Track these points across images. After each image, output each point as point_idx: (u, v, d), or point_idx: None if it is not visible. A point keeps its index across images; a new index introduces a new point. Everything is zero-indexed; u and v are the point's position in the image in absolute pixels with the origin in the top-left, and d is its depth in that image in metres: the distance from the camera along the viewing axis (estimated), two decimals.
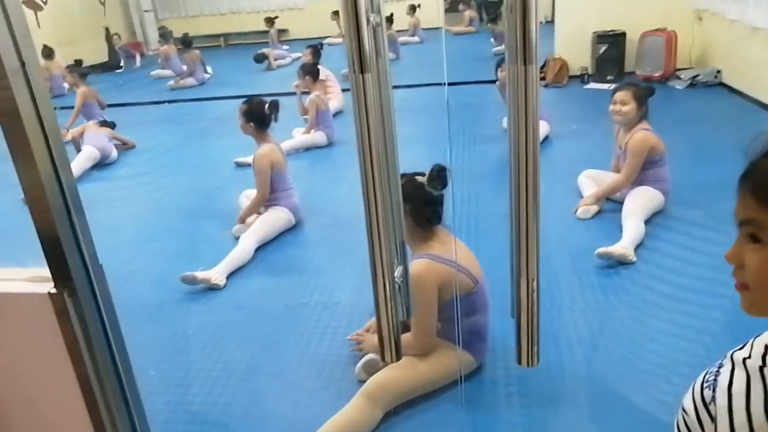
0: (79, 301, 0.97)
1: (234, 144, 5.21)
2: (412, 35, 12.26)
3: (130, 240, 3.94)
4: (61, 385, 1.03)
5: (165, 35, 11.39)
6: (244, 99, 3.85)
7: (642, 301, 2.78)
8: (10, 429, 1.14)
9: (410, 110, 6.26)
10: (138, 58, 12.92)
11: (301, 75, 5.94)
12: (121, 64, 12.42)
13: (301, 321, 2.86)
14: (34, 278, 1.01)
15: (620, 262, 3.05)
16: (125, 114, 7.77)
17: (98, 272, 1.00)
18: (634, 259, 3.07)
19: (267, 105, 3.77)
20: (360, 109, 0.69)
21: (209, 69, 10.20)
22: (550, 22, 8.06)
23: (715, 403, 0.87)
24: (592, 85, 7.17)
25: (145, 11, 14.59)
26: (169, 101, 8.67)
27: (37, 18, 11.13)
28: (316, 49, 7.11)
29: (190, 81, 9.58)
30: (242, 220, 3.79)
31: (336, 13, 12.48)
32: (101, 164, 5.72)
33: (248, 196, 3.98)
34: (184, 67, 9.92)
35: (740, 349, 0.91)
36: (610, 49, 7.10)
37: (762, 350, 0.85)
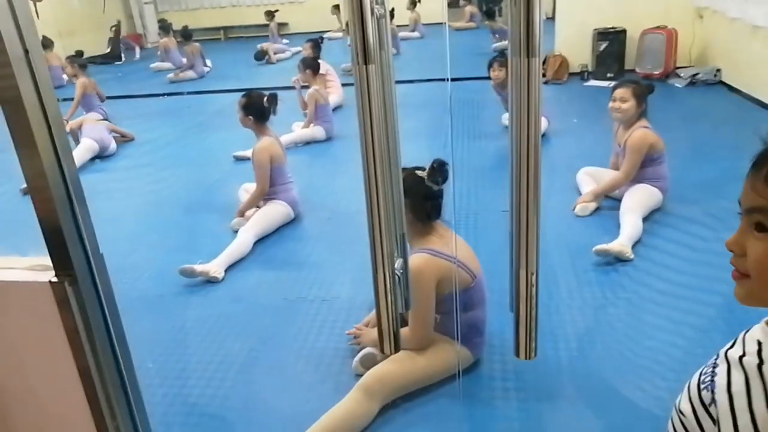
0: (79, 290, 0.97)
1: (233, 137, 5.21)
2: (413, 30, 12.23)
3: (129, 232, 3.94)
4: (61, 373, 1.04)
5: (165, 27, 11.35)
6: (244, 92, 3.85)
7: (639, 297, 2.79)
8: (10, 417, 1.14)
9: (411, 105, 6.25)
10: (137, 50, 12.88)
11: (301, 69, 5.93)
12: (122, 56, 12.38)
13: (299, 315, 2.86)
14: (34, 267, 1.01)
15: (618, 259, 3.06)
16: (125, 106, 7.76)
17: (99, 262, 1.00)
18: (632, 256, 3.08)
19: (266, 98, 3.77)
20: (363, 100, 0.69)
21: (209, 62, 10.17)
22: (551, 19, 8.04)
23: (716, 405, 0.86)
24: (592, 83, 7.17)
25: (145, 3, 14.54)
26: (169, 94, 8.65)
27: (36, 9, 11.07)
28: (317, 43, 7.10)
29: (190, 74, 9.55)
30: (241, 214, 3.79)
31: (336, 7, 12.45)
32: (100, 156, 5.71)
33: (247, 189, 3.98)
34: (184, 60, 9.90)
35: (732, 346, 0.90)
36: (611, 46, 7.09)
37: (756, 346, 0.85)
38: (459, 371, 2.25)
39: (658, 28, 6.89)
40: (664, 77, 6.84)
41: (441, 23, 13.04)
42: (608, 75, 7.05)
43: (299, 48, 9.61)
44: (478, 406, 2.21)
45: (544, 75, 7.33)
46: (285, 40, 12.19)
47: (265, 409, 2.28)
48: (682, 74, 6.77)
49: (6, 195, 4.51)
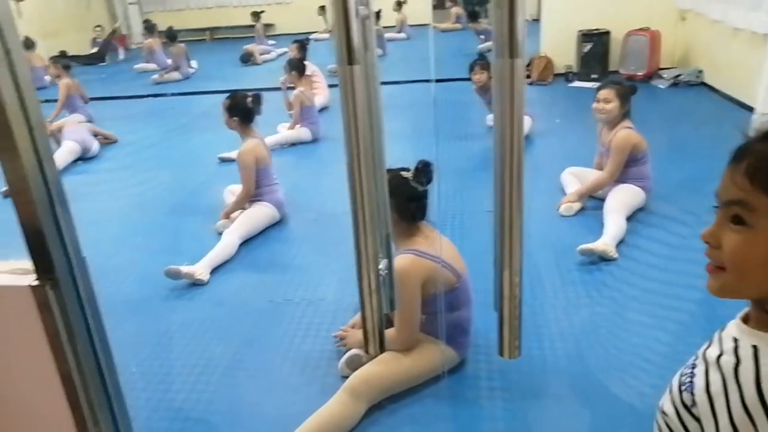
0: (61, 294, 0.96)
1: (218, 139, 5.18)
2: (399, 31, 12.26)
3: (112, 234, 3.91)
4: (42, 379, 1.02)
5: (150, 28, 11.27)
6: (228, 94, 3.83)
7: (623, 296, 2.81)
8: None
9: (396, 106, 6.27)
10: (122, 51, 12.77)
11: (287, 70, 5.91)
12: (105, 57, 12.26)
13: (285, 317, 2.85)
14: (15, 270, 0.99)
15: (602, 259, 3.09)
16: (108, 108, 7.68)
17: (81, 265, 0.99)
18: (616, 255, 3.11)
19: (250, 98, 3.75)
20: (348, 101, 0.69)
21: (194, 63, 10.12)
22: (536, 21, 8.10)
23: (697, 407, 0.87)
24: (577, 83, 7.23)
25: (130, 3, 14.44)
26: (154, 95, 8.58)
27: (18, 8, 10.95)
28: (303, 44, 7.09)
29: (175, 75, 9.49)
30: (227, 216, 3.76)
31: (323, 8, 12.44)
32: (83, 158, 5.65)
33: (232, 191, 3.96)
34: (169, 61, 9.83)
35: (709, 346, 0.91)
36: (595, 47, 7.16)
37: (732, 344, 0.85)
38: (444, 372, 2.26)
39: (641, 29, 6.97)
40: (648, 78, 6.91)
41: (427, 24, 13.08)
42: (593, 76, 7.11)
43: (285, 49, 9.59)
44: (464, 406, 2.21)
45: (529, 76, 7.39)
46: (271, 41, 12.16)
47: (251, 412, 2.27)
48: (665, 75, 6.84)
49: None
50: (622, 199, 3.49)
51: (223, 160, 5.12)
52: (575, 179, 3.91)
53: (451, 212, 3.81)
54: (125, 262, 3.54)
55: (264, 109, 3.91)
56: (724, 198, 0.82)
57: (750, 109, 5.24)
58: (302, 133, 5.69)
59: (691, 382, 0.90)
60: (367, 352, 0.80)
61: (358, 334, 2.43)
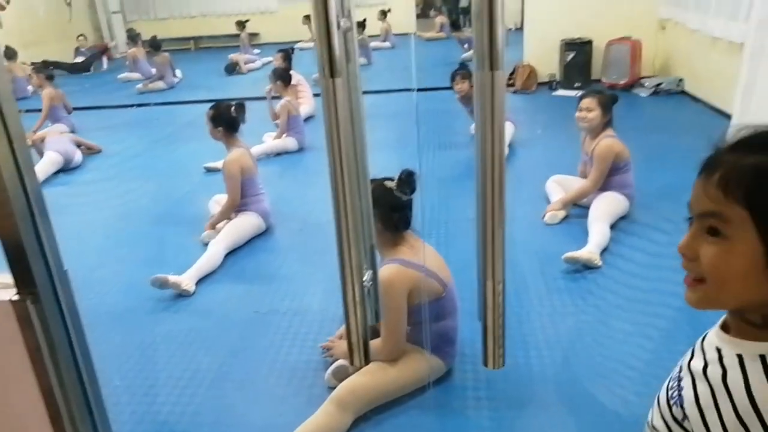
0: (42, 309, 0.95)
1: (203, 148, 5.15)
2: (384, 40, 12.32)
3: (96, 246, 3.87)
4: (22, 395, 1.01)
5: (133, 37, 11.21)
6: (212, 104, 3.81)
7: (607, 304, 2.83)
8: None
9: (381, 116, 6.28)
10: (105, 60, 12.69)
11: (273, 80, 5.91)
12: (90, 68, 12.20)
13: (271, 327, 2.84)
14: None
15: (587, 267, 3.11)
16: (92, 118, 7.62)
17: (63, 279, 0.98)
18: (600, 263, 3.13)
19: (233, 107, 3.74)
20: (330, 113, 0.69)
21: (179, 72, 10.08)
22: (519, 30, 8.18)
23: (689, 420, 0.86)
24: (560, 92, 7.30)
25: (113, 13, 14.34)
26: (138, 105, 8.53)
27: None
28: (288, 53, 7.09)
29: (160, 84, 9.44)
30: (212, 226, 3.74)
31: (308, 17, 12.45)
32: (65, 169, 5.59)
33: (218, 201, 3.94)
34: (153, 71, 9.78)
35: (692, 357, 0.90)
36: (578, 56, 7.24)
37: (716, 354, 0.85)
38: (429, 382, 2.26)
39: (622, 39, 7.06)
40: (629, 87, 7.00)
41: (413, 33, 13.17)
42: (576, 85, 7.19)
43: (270, 58, 9.59)
44: (451, 416, 2.21)
45: (513, 84, 7.45)
46: (256, 50, 12.15)
47: (237, 424, 2.25)
48: (646, 84, 6.94)
49: None
50: (606, 208, 3.53)
51: (209, 170, 5.10)
52: (559, 187, 3.94)
53: (436, 221, 3.82)
54: (109, 273, 3.50)
55: (249, 118, 3.90)
56: (698, 210, 0.82)
57: (729, 117, 5.32)
58: (288, 142, 5.68)
59: (679, 395, 0.89)
60: (351, 363, 0.80)
61: (345, 344, 2.42)
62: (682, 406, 0.87)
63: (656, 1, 7.13)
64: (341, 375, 2.29)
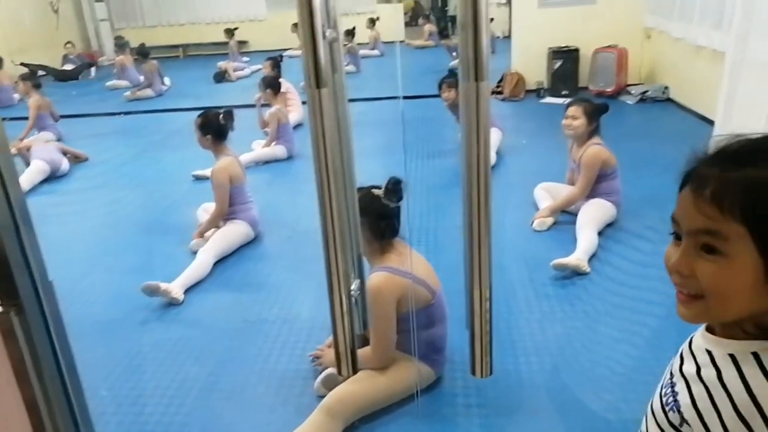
0: (26, 320, 0.93)
1: (192, 156, 5.13)
2: (372, 48, 12.37)
3: (83, 255, 3.83)
4: (5, 407, 0.99)
5: (121, 45, 11.18)
6: (200, 112, 3.80)
7: (595, 310, 2.85)
8: None
9: (369, 123, 6.29)
10: (93, 68, 12.62)
11: (262, 88, 5.90)
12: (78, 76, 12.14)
13: (259, 336, 2.82)
14: None
15: (575, 273, 3.13)
16: (79, 126, 7.57)
17: (48, 290, 0.97)
18: (588, 269, 3.15)
19: (221, 115, 3.74)
20: (316, 123, 0.69)
21: (167, 80, 10.04)
22: (507, 38, 8.24)
23: (688, 424, 0.85)
24: (548, 100, 7.36)
25: (101, 20, 14.29)
26: (125, 113, 8.48)
27: None
28: (277, 61, 7.09)
29: (148, 92, 9.40)
30: (201, 235, 3.72)
31: (296, 25, 12.45)
32: (52, 177, 5.54)
33: (206, 209, 3.92)
34: (141, 78, 9.74)
35: (683, 362, 0.90)
36: (565, 64, 7.30)
37: (707, 357, 0.85)
38: (417, 390, 2.25)
39: (609, 47, 7.13)
40: (616, 94, 7.06)
41: (400, 41, 13.22)
42: (563, 92, 7.25)
43: (259, 66, 9.58)
44: (440, 424, 2.21)
45: (501, 92, 7.50)
46: (245, 58, 12.14)
47: None
48: (632, 91, 7.01)
49: None
50: (593, 215, 3.55)
51: (198, 178, 5.07)
52: (548, 194, 3.96)
53: (425, 228, 3.83)
54: (96, 282, 3.47)
55: (238, 126, 3.89)
56: (692, 227, 0.79)
57: (713, 124, 5.38)
58: (277, 150, 5.67)
59: (675, 400, 0.88)
60: (339, 373, 0.79)
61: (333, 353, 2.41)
62: (679, 411, 0.86)
63: (642, 10, 7.22)
64: (330, 384, 2.28)
